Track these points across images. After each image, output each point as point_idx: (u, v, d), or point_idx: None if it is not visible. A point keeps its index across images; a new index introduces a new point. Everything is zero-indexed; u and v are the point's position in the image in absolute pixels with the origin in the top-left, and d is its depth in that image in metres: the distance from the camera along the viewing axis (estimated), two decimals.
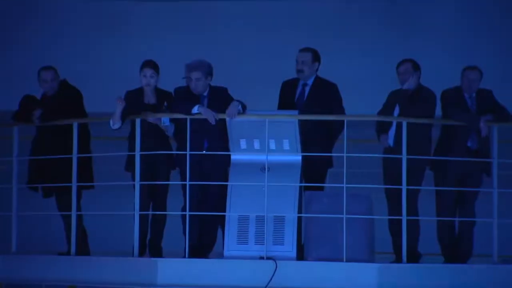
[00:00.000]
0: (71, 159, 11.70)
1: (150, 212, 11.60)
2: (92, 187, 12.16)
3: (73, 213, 11.84)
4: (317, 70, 11.68)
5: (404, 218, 10.73)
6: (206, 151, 11.02)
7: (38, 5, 17.55)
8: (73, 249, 11.86)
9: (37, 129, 12.28)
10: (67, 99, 12.20)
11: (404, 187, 10.66)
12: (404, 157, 10.63)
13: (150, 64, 11.51)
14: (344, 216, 10.30)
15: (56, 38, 18.36)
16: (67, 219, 12.06)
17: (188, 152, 10.71)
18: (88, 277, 11.83)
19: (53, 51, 18.11)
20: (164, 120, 11.06)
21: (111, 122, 11.25)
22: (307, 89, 11.61)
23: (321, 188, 11.51)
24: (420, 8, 16.81)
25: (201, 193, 11.22)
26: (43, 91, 12.38)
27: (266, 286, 10.27)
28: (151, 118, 11.06)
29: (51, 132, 11.88)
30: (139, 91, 11.59)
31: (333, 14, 16.37)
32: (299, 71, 11.55)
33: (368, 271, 10.61)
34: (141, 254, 11.36)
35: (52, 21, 18.18)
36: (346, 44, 15.06)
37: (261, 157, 10.66)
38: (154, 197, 11.70)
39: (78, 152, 11.70)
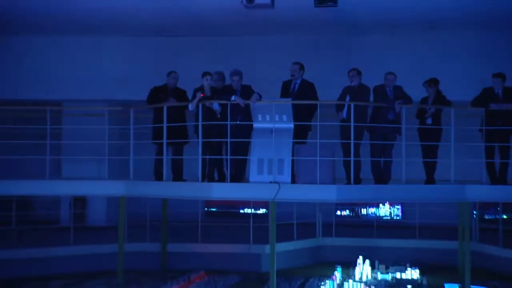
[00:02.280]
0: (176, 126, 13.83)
1: (207, 157, 13.60)
2: (187, 142, 14.27)
3: (164, 157, 14.02)
4: (302, 75, 13.81)
5: (352, 159, 12.97)
6: (239, 121, 13.22)
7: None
8: (166, 177, 13.99)
9: (154, 109, 14.31)
10: (181, 92, 14.45)
11: (352, 141, 12.88)
12: (352, 124, 12.82)
13: (208, 73, 13.71)
14: (318, 158, 12.56)
15: None
16: (175, 162, 14.32)
17: (228, 123, 12.97)
18: (176, 193, 14.25)
19: None
20: (215, 104, 13.34)
21: (190, 106, 13.51)
22: (296, 86, 13.82)
23: (304, 143, 13.54)
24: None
25: (236, 147, 13.34)
26: (168, 84, 14.45)
27: (274, 198, 12.54)
28: (208, 103, 13.38)
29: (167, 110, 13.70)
30: (201, 88, 13.66)
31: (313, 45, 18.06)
32: (292, 75, 13.80)
33: (331, 189, 12.85)
34: (203, 180, 13.49)
35: None
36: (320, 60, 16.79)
37: (270, 125, 12.93)
38: (212, 149, 13.74)
39: (177, 122, 13.82)
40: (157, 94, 14.40)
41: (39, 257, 15.52)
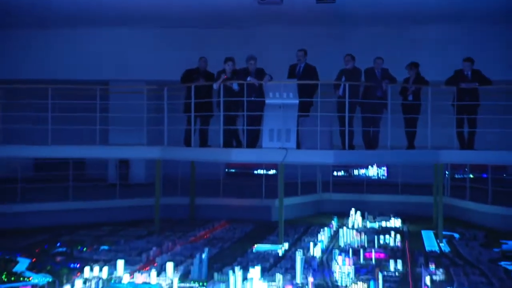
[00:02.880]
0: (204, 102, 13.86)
1: (228, 127, 13.44)
2: (212, 115, 14.24)
3: (192, 127, 14.05)
4: (306, 59, 13.78)
5: (346, 129, 12.97)
6: (254, 98, 13.13)
7: None
8: (194, 143, 14.07)
9: (187, 87, 14.21)
10: (210, 74, 14.29)
11: (346, 114, 12.86)
12: (347, 100, 12.81)
13: (229, 59, 13.55)
14: (319, 128, 12.50)
15: None
16: (202, 131, 14.38)
17: (245, 99, 12.96)
18: (202, 157, 14.42)
19: None
20: (235, 84, 13.28)
21: (214, 85, 13.46)
22: (301, 68, 13.75)
23: (307, 116, 13.41)
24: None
25: (251, 119, 13.27)
26: (199, 67, 14.42)
27: (282, 161, 12.59)
28: (229, 83, 13.33)
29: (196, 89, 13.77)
30: (223, 71, 13.53)
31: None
32: (298, 60, 13.79)
33: (329, 154, 12.87)
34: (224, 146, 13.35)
35: None
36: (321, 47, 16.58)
37: (279, 101, 12.92)
38: (231, 121, 13.60)
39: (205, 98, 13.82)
40: (190, 75, 14.36)
41: (91, 208, 15.67)
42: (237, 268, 9.06)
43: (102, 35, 19.99)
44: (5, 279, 9.55)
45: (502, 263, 10.99)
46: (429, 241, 13.26)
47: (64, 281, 9.20)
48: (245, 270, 9.12)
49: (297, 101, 12.99)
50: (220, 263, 10.47)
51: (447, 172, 16.80)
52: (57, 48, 20.22)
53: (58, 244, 12.30)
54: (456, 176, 19.00)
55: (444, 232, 13.67)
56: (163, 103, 14.75)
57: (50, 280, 9.35)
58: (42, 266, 10.40)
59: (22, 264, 10.60)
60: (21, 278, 9.62)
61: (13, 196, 15.16)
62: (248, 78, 13.33)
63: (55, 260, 10.85)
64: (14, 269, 10.22)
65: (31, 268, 10.32)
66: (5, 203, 14.87)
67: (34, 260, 10.89)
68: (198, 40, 18.27)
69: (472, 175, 18.46)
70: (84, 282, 9.06)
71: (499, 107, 14.64)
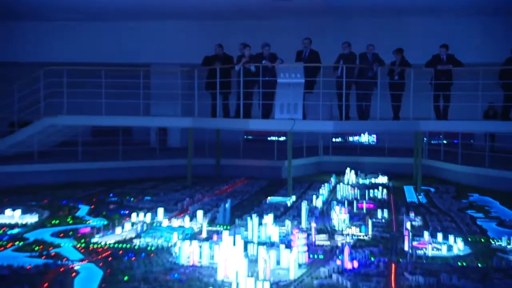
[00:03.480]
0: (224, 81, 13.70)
1: (246, 101, 13.58)
2: (230, 92, 14.25)
3: (218, 101, 14.23)
4: (310, 46, 13.73)
5: (344, 103, 12.87)
6: (268, 78, 13.07)
7: None
8: (218, 115, 14.24)
9: (209, 70, 14.25)
10: (229, 57, 14.27)
11: (344, 91, 12.79)
12: (344, 80, 12.72)
13: (247, 45, 13.52)
14: (321, 102, 12.57)
15: None
16: (225, 105, 14.40)
17: (260, 79, 13.00)
18: (225, 125, 14.57)
19: None
20: (252, 67, 13.26)
21: (236, 67, 13.51)
22: (306, 53, 13.66)
23: (311, 92, 13.38)
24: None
25: (265, 95, 13.31)
26: (216, 54, 14.36)
27: (291, 129, 12.68)
28: (247, 65, 13.31)
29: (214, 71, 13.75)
30: (242, 55, 13.52)
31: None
32: (304, 46, 13.75)
33: (329, 124, 12.93)
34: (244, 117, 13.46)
35: None
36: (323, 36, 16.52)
37: (289, 80, 12.76)
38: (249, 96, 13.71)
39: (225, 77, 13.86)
40: (208, 60, 14.44)
41: (136, 166, 15.72)
42: (254, 215, 9.07)
43: (145, 27, 19.92)
44: (70, 222, 9.71)
45: (469, 211, 11.03)
46: (410, 194, 13.22)
47: (116, 224, 9.29)
48: (261, 217, 9.14)
49: (303, 80, 12.85)
50: (240, 211, 10.55)
51: (425, 138, 16.66)
52: (109, 37, 20.26)
53: (111, 195, 12.42)
54: (432, 141, 18.90)
55: (422, 187, 13.66)
56: (194, 81, 14.67)
57: (105, 223, 9.49)
58: (99, 212, 10.56)
59: (83, 210, 10.76)
60: (83, 221, 9.77)
61: (75, 156, 15.30)
62: (263, 61, 13.31)
63: (109, 208, 10.98)
64: (77, 214, 10.38)
65: (90, 213, 10.48)
66: (69, 162, 15.03)
67: (92, 207, 11.05)
68: (221, 30, 18.06)
69: (446, 141, 18.40)
70: (132, 225, 9.16)
71: (469, 85, 14.50)
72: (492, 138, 17.27)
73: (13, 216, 9.81)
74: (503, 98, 13.89)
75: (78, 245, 8.04)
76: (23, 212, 10.05)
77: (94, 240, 8.34)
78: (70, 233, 8.81)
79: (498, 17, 17.95)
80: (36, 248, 7.88)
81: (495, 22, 18.12)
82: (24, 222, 9.53)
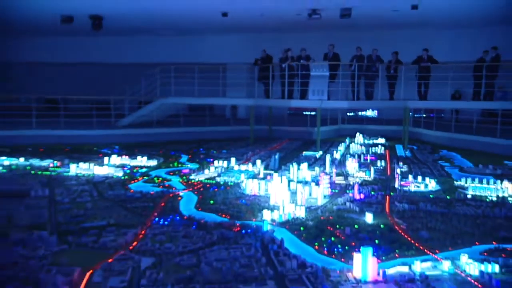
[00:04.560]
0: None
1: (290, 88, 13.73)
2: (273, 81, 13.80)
3: (270, 87, 13.85)
4: (333, 49, 13.35)
5: (355, 89, 12.75)
6: (304, 72, 12.84)
7: None
8: (271, 96, 13.84)
9: (259, 67, 14.01)
10: (270, 57, 14.11)
11: (356, 81, 12.61)
12: (356, 73, 12.64)
13: (289, 49, 13.30)
14: (340, 89, 12.75)
15: None
16: (267, 90, 13.99)
17: (299, 72, 12.81)
18: (277, 104, 14.09)
19: None
20: (294, 64, 13.05)
21: (283, 65, 13.18)
22: (330, 55, 13.31)
23: (334, 81, 13.10)
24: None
25: (302, 83, 13.02)
26: (262, 55, 14.15)
27: (319, 106, 12.38)
28: (290, 63, 13.11)
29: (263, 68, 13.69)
30: (286, 57, 13.20)
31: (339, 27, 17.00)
32: (329, 50, 13.39)
33: (345, 103, 12.89)
34: (288, 98, 13.33)
35: None
36: (342, 42, 15.27)
37: (318, 73, 12.54)
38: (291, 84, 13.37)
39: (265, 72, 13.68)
40: (257, 60, 14.36)
41: (217, 130, 15.67)
42: (294, 164, 9.11)
43: (222, 38, 19.80)
44: (176, 165, 9.86)
45: (440, 161, 10.86)
46: (400, 150, 13.05)
47: (205, 167, 9.36)
48: (298, 164, 9.13)
49: (328, 73, 12.65)
50: (285, 161, 10.52)
51: (411, 113, 16.23)
52: (198, 45, 20.29)
53: (201, 149, 12.49)
54: (416, 115, 18.38)
55: (408, 146, 13.44)
56: (254, 75, 14.57)
57: (198, 166, 9.59)
58: (193, 159, 10.68)
59: (184, 158, 10.90)
60: (184, 165, 9.88)
61: (178, 123, 15.45)
62: (301, 61, 13.17)
63: (200, 157, 11.07)
64: (180, 161, 10.51)
65: (188, 160, 10.60)
66: (174, 127, 15.16)
67: (190, 156, 11.17)
68: (270, 39, 17.59)
69: (425, 114, 17.96)
70: (215, 168, 9.23)
71: (441, 77, 13.99)
72: (456, 112, 16.81)
73: (141, 160, 10.08)
74: (473, 86, 13.34)
75: (182, 180, 8.22)
76: (148, 159, 10.29)
77: (191, 177, 8.50)
78: (177, 172, 8.99)
79: (466, 29, 17.09)
80: (156, 181, 8.12)
81: (465, 33, 17.28)
82: (148, 165, 9.78)
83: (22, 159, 9.82)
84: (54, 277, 3.82)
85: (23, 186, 7.40)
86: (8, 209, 5.92)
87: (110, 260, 4.31)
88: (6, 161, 9.70)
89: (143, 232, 5.16)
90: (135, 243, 4.81)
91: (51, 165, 9.43)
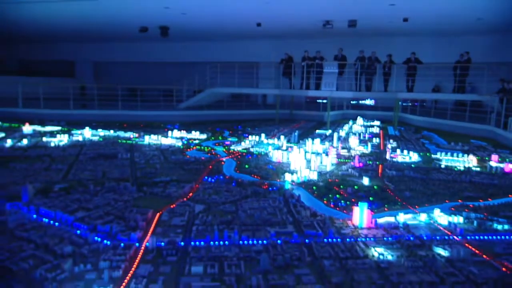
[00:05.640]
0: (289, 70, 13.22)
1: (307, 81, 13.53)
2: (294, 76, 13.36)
3: (292, 80, 13.43)
4: (342, 52, 12.86)
5: (358, 82, 12.32)
6: (319, 69, 12.47)
7: None
8: (292, 88, 13.54)
9: (283, 65, 13.53)
10: (291, 57, 13.43)
11: (358, 76, 12.29)
12: (358, 70, 12.23)
13: (306, 51, 12.66)
14: (346, 82, 12.23)
15: None
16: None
17: (314, 69, 12.35)
18: (297, 92, 13.54)
19: None
20: (310, 62, 12.68)
21: (302, 63, 12.60)
22: (339, 56, 12.78)
23: (341, 76, 12.66)
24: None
25: (317, 78, 12.59)
26: (285, 56, 13.48)
27: (330, 95, 11.96)
28: (308, 62, 12.62)
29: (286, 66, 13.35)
30: (305, 57, 12.58)
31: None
32: (338, 52, 12.86)
33: (350, 93, 12.17)
34: (305, 89, 12.74)
35: None
36: (349, 47, 14.42)
37: (329, 70, 12.23)
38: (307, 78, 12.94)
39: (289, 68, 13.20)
40: (282, 60, 13.80)
41: (249, 113, 15.20)
42: (310, 139, 9.00)
43: (255, 42, 19.27)
44: (220, 138, 9.73)
45: (422, 140, 10.45)
46: (391, 130, 12.60)
47: (242, 140, 9.29)
48: (313, 139, 8.97)
49: (337, 70, 12.27)
50: (303, 137, 10.33)
51: (400, 102, 15.67)
52: (238, 48, 19.71)
53: (239, 127, 12.27)
54: (404, 104, 17.69)
55: (397, 127, 13.02)
56: (280, 71, 14.18)
57: (236, 140, 9.46)
58: (233, 135, 10.50)
59: (226, 133, 10.77)
60: (226, 139, 9.76)
61: (222, 107, 15.32)
62: (316, 60, 12.73)
63: (238, 133, 10.89)
64: (224, 135, 10.39)
65: (229, 135, 10.45)
66: (220, 110, 14.95)
67: (230, 132, 11.00)
68: (292, 44, 16.88)
69: (411, 103, 17.18)
70: (249, 141, 9.14)
71: (424, 74, 13.46)
72: (435, 102, 16.21)
73: (195, 134, 10.05)
74: (453, 81, 12.67)
75: (225, 150, 8.16)
76: (200, 133, 10.25)
77: (232, 147, 8.42)
78: (221, 144, 8.92)
79: (446, 37, 16.20)
80: (206, 150, 8.10)
81: (445, 40, 16.36)
82: (200, 138, 9.75)
83: (112, 131, 10.03)
84: (135, 215, 4.02)
85: (113, 150, 7.63)
86: (103, 166, 6.25)
87: (173, 206, 4.44)
88: (102, 132, 9.90)
89: (196, 186, 5.24)
90: (190, 194, 4.90)
91: (131, 136, 9.56)
